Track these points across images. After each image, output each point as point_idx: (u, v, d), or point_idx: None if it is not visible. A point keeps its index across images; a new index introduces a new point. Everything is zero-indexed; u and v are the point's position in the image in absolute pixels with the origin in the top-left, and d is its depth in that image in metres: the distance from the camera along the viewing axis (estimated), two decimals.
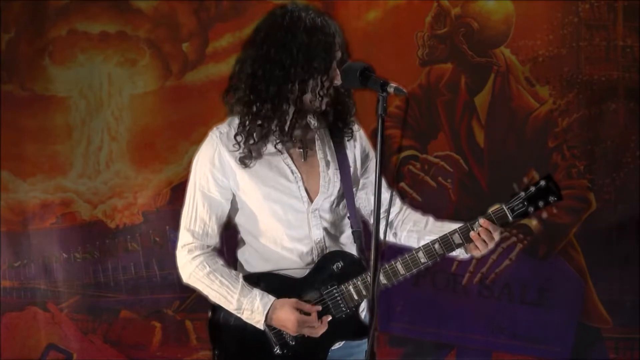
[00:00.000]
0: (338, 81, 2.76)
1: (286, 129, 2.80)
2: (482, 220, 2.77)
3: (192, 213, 2.89)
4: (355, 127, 2.95)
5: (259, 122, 2.79)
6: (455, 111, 4.38)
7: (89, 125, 4.66)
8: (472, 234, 2.77)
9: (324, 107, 2.79)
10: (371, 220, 2.87)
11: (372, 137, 2.72)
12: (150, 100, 4.62)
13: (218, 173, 2.85)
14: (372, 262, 2.40)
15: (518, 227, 4.31)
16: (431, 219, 2.99)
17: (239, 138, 2.82)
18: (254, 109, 2.78)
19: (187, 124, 4.53)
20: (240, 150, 2.82)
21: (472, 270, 4.33)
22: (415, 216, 3.04)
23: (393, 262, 2.82)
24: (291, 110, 2.80)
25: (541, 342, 4.30)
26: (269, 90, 2.76)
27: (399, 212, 3.06)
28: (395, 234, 3.03)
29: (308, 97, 2.78)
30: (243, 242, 2.98)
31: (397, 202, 3.06)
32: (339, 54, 2.76)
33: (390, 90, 2.41)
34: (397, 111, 4.02)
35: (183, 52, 4.60)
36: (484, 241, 2.77)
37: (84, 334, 4.68)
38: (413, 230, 2.99)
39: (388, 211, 2.87)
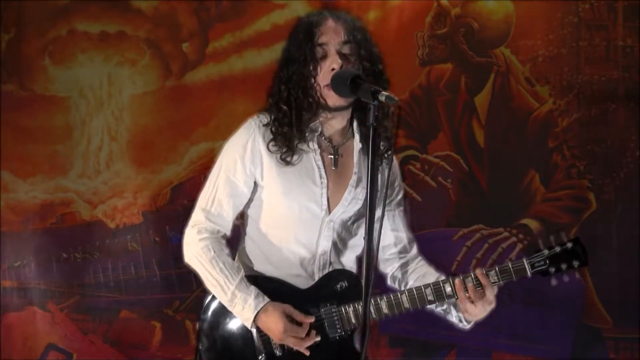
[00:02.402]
0: (335, 66, 2.68)
1: (302, 126, 2.75)
2: (477, 271, 2.65)
3: (212, 194, 2.82)
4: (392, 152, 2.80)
5: (276, 123, 2.78)
6: (455, 111, 4.38)
7: (89, 125, 4.66)
8: (456, 283, 2.65)
9: (330, 102, 2.72)
10: (381, 264, 2.87)
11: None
12: (150, 100, 4.62)
13: (248, 160, 2.79)
14: (363, 285, 2.32)
15: (518, 227, 4.31)
16: (442, 277, 2.80)
17: (274, 129, 2.79)
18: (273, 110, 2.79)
19: (187, 124, 4.53)
20: (277, 144, 2.77)
21: None
22: (426, 269, 2.90)
23: (399, 294, 2.71)
24: (294, 109, 2.76)
25: (541, 342, 4.29)
26: (275, 91, 2.78)
27: (412, 260, 2.92)
28: (399, 280, 2.91)
29: (304, 89, 2.74)
30: (245, 240, 2.91)
31: (414, 248, 2.93)
32: (322, 39, 2.71)
33: (382, 98, 2.34)
34: (397, 111, 4.01)
35: (183, 52, 4.60)
36: (470, 299, 2.64)
37: (84, 334, 4.68)
38: (420, 282, 2.82)
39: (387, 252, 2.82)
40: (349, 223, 2.84)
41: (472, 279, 2.66)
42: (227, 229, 2.84)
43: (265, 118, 2.81)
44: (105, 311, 4.66)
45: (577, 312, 4.28)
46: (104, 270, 4.67)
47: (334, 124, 2.81)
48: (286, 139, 2.77)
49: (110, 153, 4.65)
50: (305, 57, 2.73)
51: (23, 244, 4.70)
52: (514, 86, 4.32)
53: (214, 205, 2.81)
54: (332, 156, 2.82)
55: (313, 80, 2.73)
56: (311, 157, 2.80)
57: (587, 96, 4.26)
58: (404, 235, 2.94)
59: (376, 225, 2.69)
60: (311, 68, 2.72)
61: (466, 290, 2.66)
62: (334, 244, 2.82)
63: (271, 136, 2.77)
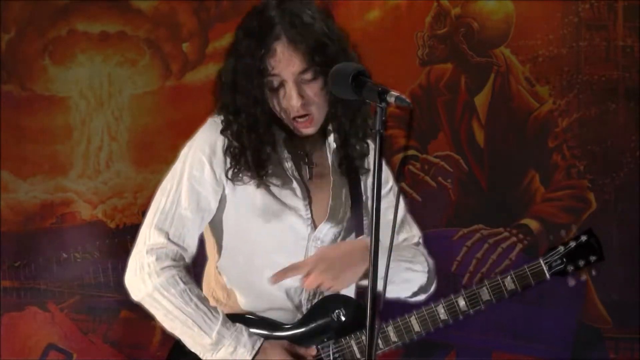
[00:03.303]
0: (293, 103, 2.24)
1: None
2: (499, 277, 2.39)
3: (171, 208, 2.27)
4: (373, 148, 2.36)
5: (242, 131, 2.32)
6: (455, 111, 4.38)
7: (89, 125, 4.66)
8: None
9: (305, 131, 2.28)
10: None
11: None
12: (150, 100, 4.61)
13: (218, 165, 2.29)
14: (368, 309, 1.86)
15: (518, 227, 4.30)
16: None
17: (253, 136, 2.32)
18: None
19: (187, 124, 4.50)
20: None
21: (472, 270, 4.33)
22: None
23: (407, 316, 2.38)
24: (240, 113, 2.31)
25: (541, 342, 4.29)
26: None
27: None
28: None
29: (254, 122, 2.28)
30: (210, 269, 2.41)
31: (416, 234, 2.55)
32: (274, 69, 2.24)
33: (391, 100, 1.93)
34: (397, 111, 4.01)
35: (183, 52, 4.60)
36: None
37: (84, 334, 4.68)
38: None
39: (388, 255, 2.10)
40: (339, 238, 2.39)
41: (487, 290, 2.41)
42: (191, 256, 2.31)
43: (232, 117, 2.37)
44: (105, 311, 4.66)
45: (577, 312, 4.28)
46: (104, 270, 4.67)
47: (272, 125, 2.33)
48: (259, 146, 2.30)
49: (110, 153, 4.65)
50: (255, 86, 2.26)
51: (23, 244, 4.70)
52: (514, 86, 4.32)
53: (174, 223, 2.27)
54: (306, 166, 2.38)
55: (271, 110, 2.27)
56: (289, 170, 2.35)
57: (587, 96, 4.25)
58: (404, 235, 2.54)
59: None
60: (263, 96, 2.26)
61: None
62: None
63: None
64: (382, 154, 1.91)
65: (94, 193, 4.67)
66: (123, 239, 4.67)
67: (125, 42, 4.62)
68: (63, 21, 4.64)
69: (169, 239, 2.26)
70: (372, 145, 2.40)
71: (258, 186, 2.28)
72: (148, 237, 2.28)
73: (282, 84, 2.27)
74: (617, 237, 4.21)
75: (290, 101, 2.26)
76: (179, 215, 2.27)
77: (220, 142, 2.31)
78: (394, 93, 1.94)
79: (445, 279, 4.38)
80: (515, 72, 4.31)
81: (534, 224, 4.30)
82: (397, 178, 2.74)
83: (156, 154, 4.62)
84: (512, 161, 4.32)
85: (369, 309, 1.85)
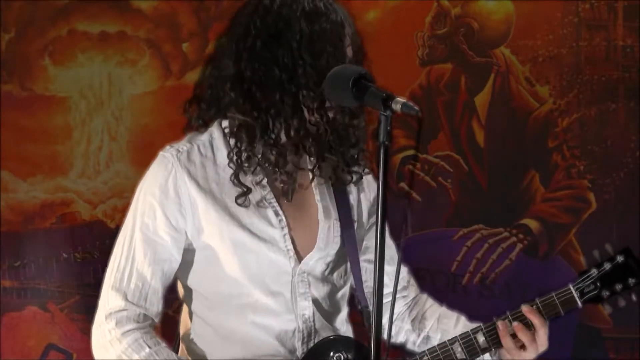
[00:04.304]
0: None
1: (284, 152, 2.00)
2: (525, 308, 2.06)
3: (127, 264, 2.04)
4: (365, 169, 2.15)
5: (265, 138, 1.99)
6: (455, 111, 4.38)
7: (89, 125, 4.66)
8: (500, 327, 2.04)
9: (323, 128, 2.00)
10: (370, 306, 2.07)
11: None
12: (150, 100, 4.61)
13: (172, 207, 2.02)
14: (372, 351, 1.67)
15: (518, 227, 4.30)
16: (463, 318, 2.23)
17: (234, 157, 2.02)
18: (255, 119, 2.01)
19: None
20: (208, 175, 2.03)
21: (472, 270, 4.33)
22: (441, 309, 2.26)
23: (418, 358, 2.11)
24: (295, 123, 2.00)
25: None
26: (268, 96, 2.00)
27: (414, 300, 2.26)
28: (408, 332, 2.24)
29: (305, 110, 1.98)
30: (191, 319, 2.18)
31: (413, 284, 2.28)
32: (349, 50, 2.07)
33: (397, 107, 1.74)
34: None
35: (183, 52, 4.60)
36: (520, 346, 2.02)
37: (84, 334, 4.67)
38: (437, 329, 2.21)
39: (394, 293, 1.91)
40: (327, 272, 2.10)
41: (512, 318, 2.09)
42: (156, 313, 2.08)
43: (183, 145, 2.20)
44: None
45: (576, 312, 4.27)
46: (104, 271, 4.66)
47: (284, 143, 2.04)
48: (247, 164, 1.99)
49: (110, 153, 4.65)
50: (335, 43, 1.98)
51: (23, 244, 4.69)
52: (514, 86, 4.31)
53: (132, 280, 2.03)
54: (283, 185, 2.06)
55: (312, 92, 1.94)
56: (258, 191, 2.05)
57: (587, 96, 4.25)
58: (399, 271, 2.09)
59: (366, 264, 2.12)
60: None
61: (513, 334, 2.07)
62: (316, 303, 2.07)
63: (201, 169, 2.05)
64: (387, 168, 1.71)
65: (94, 193, 4.67)
66: None
67: (125, 42, 4.62)
68: (63, 21, 4.64)
69: (127, 300, 2.02)
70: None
71: (228, 201, 2.01)
72: (107, 300, 2.04)
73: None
74: (617, 237, 4.20)
75: None
76: (136, 272, 2.03)
77: (172, 179, 2.07)
78: (400, 99, 1.76)
79: (445, 279, 4.38)
80: (515, 72, 4.31)
81: (534, 224, 4.30)
82: (410, 183, 2.41)
83: (156, 154, 4.62)
84: (512, 161, 4.32)
85: (372, 351, 1.67)
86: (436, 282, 4.36)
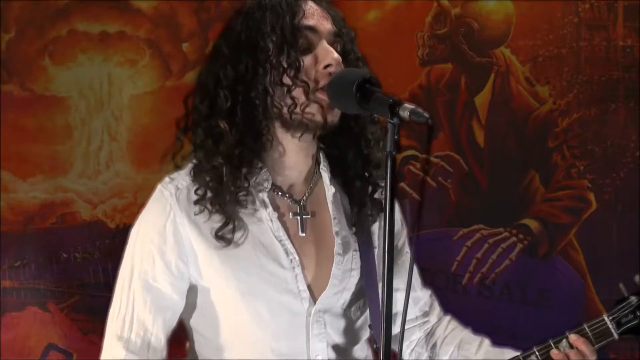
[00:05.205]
0: (331, 62, 1.78)
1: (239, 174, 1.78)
2: (572, 337, 2.00)
3: (127, 313, 1.97)
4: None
5: (223, 151, 1.81)
6: (455, 111, 4.38)
7: (89, 125, 4.66)
8: (554, 354, 1.92)
9: (329, 117, 1.76)
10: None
11: None
12: (150, 100, 4.61)
13: (172, 254, 1.89)
14: None
15: (518, 227, 4.30)
16: (487, 342, 2.13)
17: (200, 192, 1.85)
18: (218, 133, 1.84)
19: None
20: (211, 217, 1.83)
21: (472, 270, 4.33)
22: (462, 334, 2.17)
23: None
24: (263, 123, 1.81)
25: (541, 342, 4.29)
26: (223, 95, 1.86)
27: (436, 325, 2.16)
28: (430, 357, 2.10)
29: (272, 95, 1.76)
30: (196, 357, 2.06)
31: (436, 307, 2.18)
32: (308, 20, 1.82)
33: (405, 114, 1.58)
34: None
35: (183, 52, 4.60)
36: None
37: (84, 334, 4.67)
38: (458, 355, 2.11)
39: (403, 319, 1.72)
40: (346, 306, 1.94)
41: (567, 345, 1.98)
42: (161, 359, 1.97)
43: (183, 180, 2.01)
44: (105, 311, 4.61)
45: (577, 312, 4.27)
46: (104, 270, 4.67)
47: (294, 165, 1.84)
48: (219, 199, 1.80)
49: (110, 153, 4.65)
50: (277, 43, 1.76)
51: (23, 244, 4.69)
52: (514, 86, 4.32)
53: (133, 329, 1.94)
54: (296, 217, 1.88)
55: (286, 87, 1.75)
56: (265, 226, 1.86)
57: (587, 96, 4.26)
58: (419, 292, 2.14)
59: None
60: (285, 64, 1.74)
61: None
62: (331, 342, 1.92)
63: (199, 206, 1.85)
64: (394, 180, 1.50)
65: (94, 193, 4.67)
66: (123, 239, 4.63)
67: (125, 42, 4.62)
68: (63, 21, 4.64)
69: (128, 350, 1.94)
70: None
71: (228, 245, 1.84)
72: (109, 348, 1.97)
73: (310, 47, 1.83)
74: (617, 237, 4.21)
75: (325, 59, 1.81)
76: (136, 321, 1.95)
77: (170, 223, 1.91)
78: (409, 105, 1.58)
79: (445, 279, 4.38)
80: (515, 72, 4.31)
81: (534, 224, 4.30)
82: (421, 192, 2.22)
83: (156, 154, 4.59)
84: (512, 161, 4.32)
85: None
86: (436, 282, 4.36)
